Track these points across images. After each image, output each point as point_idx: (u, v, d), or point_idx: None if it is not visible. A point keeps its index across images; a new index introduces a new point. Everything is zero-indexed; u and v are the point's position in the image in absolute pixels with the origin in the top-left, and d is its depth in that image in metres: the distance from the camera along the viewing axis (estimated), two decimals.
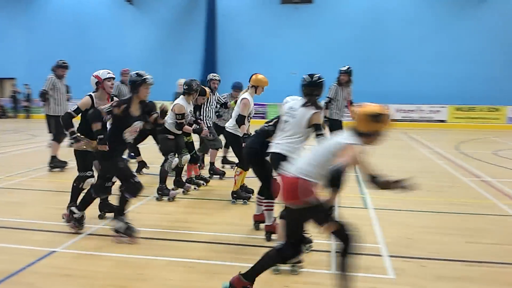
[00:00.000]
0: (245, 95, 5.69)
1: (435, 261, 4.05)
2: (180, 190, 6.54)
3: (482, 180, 7.73)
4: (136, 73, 4.48)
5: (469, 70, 19.16)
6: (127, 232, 4.44)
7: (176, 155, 6.26)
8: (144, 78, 4.43)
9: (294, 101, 4.22)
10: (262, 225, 4.73)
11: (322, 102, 8.38)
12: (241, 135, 5.65)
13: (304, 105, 4.07)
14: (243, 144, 5.19)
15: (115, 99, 5.02)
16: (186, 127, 6.26)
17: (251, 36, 20.92)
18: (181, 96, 6.29)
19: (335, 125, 8.01)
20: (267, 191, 4.46)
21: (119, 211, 4.50)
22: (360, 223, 5.10)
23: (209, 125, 7.33)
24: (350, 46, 19.74)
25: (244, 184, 6.23)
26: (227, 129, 5.96)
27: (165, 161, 6.21)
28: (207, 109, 7.41)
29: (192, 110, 6.51)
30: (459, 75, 19.23)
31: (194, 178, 7.02)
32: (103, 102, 4.81)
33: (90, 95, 4.86)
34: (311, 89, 4.08)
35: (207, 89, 7.17)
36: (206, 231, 4.82)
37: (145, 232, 4.63)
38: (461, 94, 19.08)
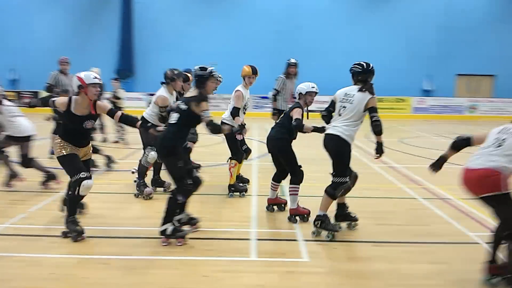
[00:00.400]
0: (238, 87, 5.87)
1: (347, 243, 4.29)
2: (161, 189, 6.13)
3: (390, 166, 8.29)
4: (201, 67, 4.21)
5: (379, 62, 20.26)
6: (178, 235, 4.16)
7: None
8: (211, 72, 4.18)
9: (349, 88, 4.46)
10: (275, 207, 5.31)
11: (269, 93, 8.51)
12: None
13: (360, 90, 4.35)
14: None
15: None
16: None
17: (169, 25, 20.44)
18: (162, 87, 5.83)
19: None
20: (295, 178, 4.88)
21: (170, 214, 4.14)
22: (276, 209, 5.32)
23: None
24: (268, 38, 20.06)
25: (240, 174, 6.25)
26: (223, 121, 5.78)
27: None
28: None
29: (175, 100, 5.88)
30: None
31: None
32: (83, 109, 4.25)
33: (70, 98, 4.29)
34: (366, 75, 4.43)
35: (189, 75, 6.49)
36: (123, 226, 4.68)
37: (55, 230, 4.37)
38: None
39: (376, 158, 4.62)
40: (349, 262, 3.88)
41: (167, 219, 4.14)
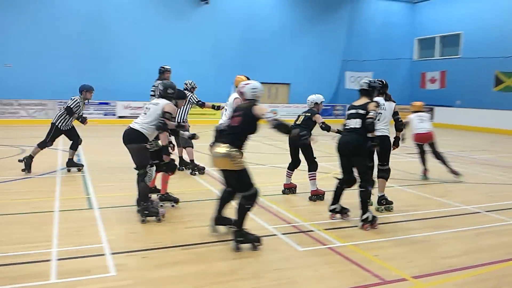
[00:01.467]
0: (234, 95, 6.69)
1: (156, 251, 4.25)
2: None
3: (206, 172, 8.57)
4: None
5: (188, 69, 20.90)
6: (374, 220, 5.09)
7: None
8: None
9: (380, 99, 5.88)
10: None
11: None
12: None
13: (387, 100, 6.04)
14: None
15: None
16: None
17: None
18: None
19: None
20: (313, 166, 6.51)
21: (365, 204, 5.12)
22: (84, 225, 4.97)
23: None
24: (75, 41, 18.74)
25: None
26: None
27: (144, 175, 5.21)
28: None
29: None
30: (179, 74, 20.71)
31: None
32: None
33: None
34: (385, 89, 6.04)
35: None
36: None
37: None
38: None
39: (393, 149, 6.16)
40: (159, 269, 3.85)
41: (364, 209, 5.05)
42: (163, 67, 9.08)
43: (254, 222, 5.22)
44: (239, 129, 4.44)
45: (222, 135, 4.56)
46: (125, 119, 19.49)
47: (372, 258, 4.21)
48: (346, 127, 5.39)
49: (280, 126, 4.43)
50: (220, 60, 21.59)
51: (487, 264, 4.14)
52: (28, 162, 7.71)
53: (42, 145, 7.82)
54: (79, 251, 4.20)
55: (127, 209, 5.66)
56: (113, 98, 19.50)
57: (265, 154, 10.78)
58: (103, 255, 4.11)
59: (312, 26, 23.92)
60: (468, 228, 5.27)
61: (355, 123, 5.20)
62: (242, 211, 4.34)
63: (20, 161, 7.79)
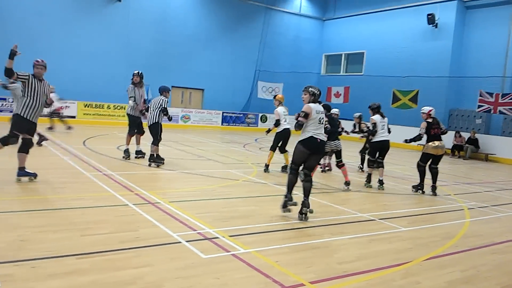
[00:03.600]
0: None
1: (47, 260, 3.95)
2: None
3: (104, 174, 8.18)
4: None
5: (96, 68, 20.00)
6: None
7: None
8: None
9: (380, 115, 9.27)
10: None
11: (130, 101, 10.10)
12: None
13: (383, 116, 9.26)
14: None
15: None
16: None
17: None
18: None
19: (134, 122, 10.21)
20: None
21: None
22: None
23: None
24: None
25: None
26: None
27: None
28: None
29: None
30: (87, 72, 19.78)
31: None
32: None
33: None
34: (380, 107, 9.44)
35: None
36: None
37: None
38: (89, 91, 19.75)
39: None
40: (50, 280, 3.57)
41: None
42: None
43: (158, 229, 5.09)
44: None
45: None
46: None
47: (273, 264, 4.30)
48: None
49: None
50: (132, 60, 20.92)
51: (378, 269, 4.44)
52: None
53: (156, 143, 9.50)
54: None
55: (18, 215, 5.22)
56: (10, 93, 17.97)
57: (176, 160, 10.61)
58: None
59: (227, 33, 24.19)
60: (363, 234, 5.62)
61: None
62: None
63: None
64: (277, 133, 10.00)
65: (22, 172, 6.98)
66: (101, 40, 20.22)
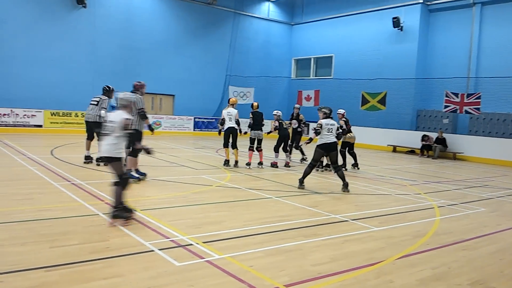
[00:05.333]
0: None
1: (14, 274, 3.80)
2: None
3: (72, 183, 7.98)
4: None
5: (61, 75, 19.56)
6: None
7: None
8: None
9: (330, 119, 9.12)
10: None
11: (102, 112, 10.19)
12: None
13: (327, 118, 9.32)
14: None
15: None
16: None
17: None
18: None
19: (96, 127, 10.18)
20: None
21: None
22: None
23: None
24: None
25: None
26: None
27: None
28: None
29: None
30: (53, 80, 19.32)
31: None
32: None
33: None
34: (331, 112, 9.30)
35: None
36: None
37: None
38: (55, 99, 19.28)
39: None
40: None
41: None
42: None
43: (129, 238, 4.98)
44: None
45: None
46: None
47: (248, 268, 4.27)
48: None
49: None
50: (98, 66, 20.59)
51: (352, 269, 4.48)
52: None
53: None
54: None
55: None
56: None
57: (147, 167, 10.45)
58: None
59: (197, 39, 24.10)
60: (336, 236, 5.66)
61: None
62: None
63: None
64: (223, 131, 11.53)
65: None
66: (67, 47, 19.80)
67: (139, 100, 8.34)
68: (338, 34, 24.95)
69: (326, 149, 8.87)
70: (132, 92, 8.45)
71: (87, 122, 10.63)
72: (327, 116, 9.08)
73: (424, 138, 18.98)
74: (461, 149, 18.39)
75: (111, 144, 5.51)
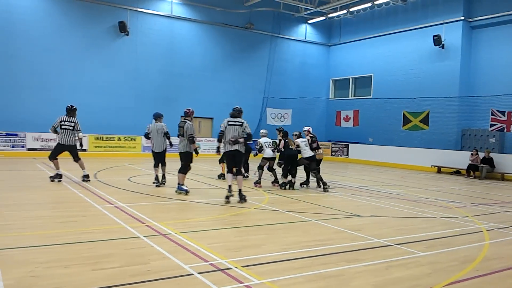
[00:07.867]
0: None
1: None
2: None
3: (115, 206, 8.14)
4: None
5: (105, 101, 20.28)
6: None
7: None
8: None
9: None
10: None
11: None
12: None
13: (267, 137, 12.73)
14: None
15: None
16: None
17: None
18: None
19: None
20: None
21: None
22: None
23: None
24: None
25: None
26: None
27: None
28: None
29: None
30: (97, 105, 20.05)
31: None
32: None
33: None
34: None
35: None
36: None
37: None
38: (99, 124, 19.95)
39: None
40: None
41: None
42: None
43: (169, 261, 4.99)
44: None
45: None
46: (35, 152, 18.27)
47: None
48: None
49: None
50: (140, 92, 21.25)
51: None
52: None
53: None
54: None
55: (28, 250, 5.17)
56: (22, 129, 18.25)
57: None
58: None
59: (234, 63, 24.47)
60: (380, 261, 5.45)
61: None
62: None
63: None
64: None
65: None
66: (110, 73, 20.58)
67: (189, 126, 9.65)
68: (376, 53, 24.70)
69: (308, 159, 11.62)
70: (183, 117, 10.04)
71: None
72: (299, 137, 11.88)
73: (473, 153, 18.14)
74: (510, 169, 17.54)
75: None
